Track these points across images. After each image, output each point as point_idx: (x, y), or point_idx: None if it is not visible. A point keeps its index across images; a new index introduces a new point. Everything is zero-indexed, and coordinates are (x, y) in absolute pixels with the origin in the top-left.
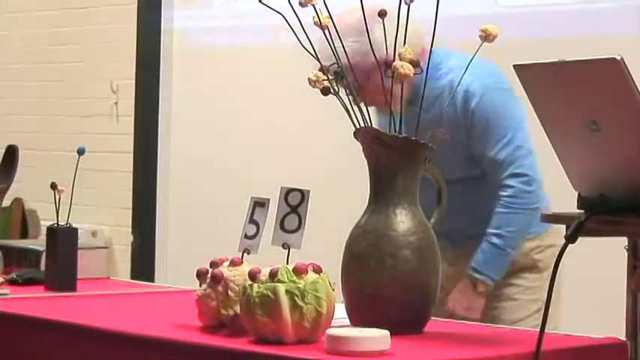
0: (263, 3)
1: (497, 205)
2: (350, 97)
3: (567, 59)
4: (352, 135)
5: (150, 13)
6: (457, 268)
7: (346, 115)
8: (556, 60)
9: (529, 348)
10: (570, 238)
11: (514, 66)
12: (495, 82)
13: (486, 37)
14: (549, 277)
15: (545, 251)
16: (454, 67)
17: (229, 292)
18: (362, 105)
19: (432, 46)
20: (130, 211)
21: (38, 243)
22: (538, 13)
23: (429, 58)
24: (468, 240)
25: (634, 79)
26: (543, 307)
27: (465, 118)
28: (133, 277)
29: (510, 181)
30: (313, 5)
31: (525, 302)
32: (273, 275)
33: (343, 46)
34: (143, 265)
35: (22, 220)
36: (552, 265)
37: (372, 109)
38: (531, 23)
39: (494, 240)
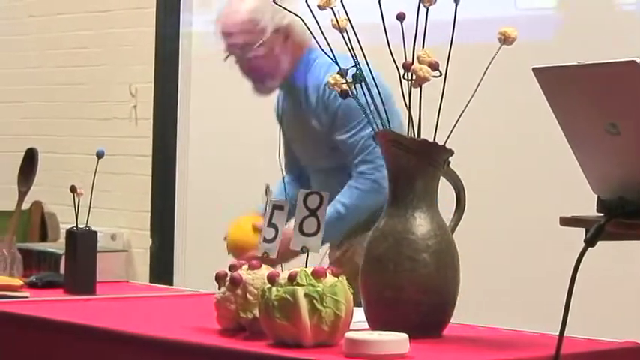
0: (279, 5)
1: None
2: (368, 98)
3: (586, 62)
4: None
5: (169, 17)
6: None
7: None
8: (575, 63)
9: (548, 351)
10: (590, 242)
11: (533, 69)
12: None
13: (505, 39)
14: None
15: None
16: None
17: (248, 295)
18: (380, 109)
19: (450, 50)
20: (149, 214)
21: (57, 246)
22: (557, 16)
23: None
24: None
25: None
26: None
27: (327, 107)
28: (151, 280)
29: (360, 167)
30: (331, 8)
31: None
32: (292, 278)
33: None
34: (162, 268)
35: (41, 223)
36: None
37: None
38: (550, 26)
39: (339, 207)
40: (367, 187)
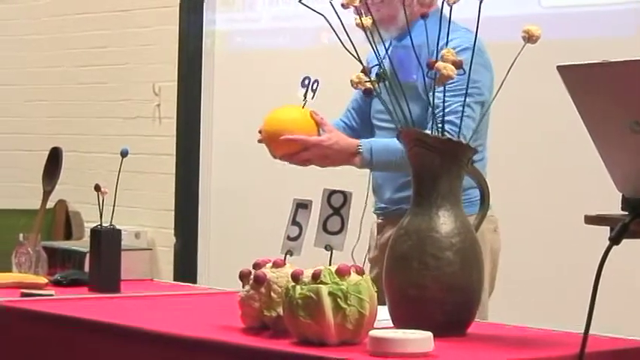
0: (305, 4)
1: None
2: (392, 96)
3: (611, 60)
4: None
5: (192, 16)
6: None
7: None
8: (599, 61)
9: (572, 350)
10: (614, 240)
11: (557, 67)
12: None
13: (529, 38)
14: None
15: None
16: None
17: (272, 293)
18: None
19: (474, 47)
20: (173, 212)
21: (82, 244)
22: (581, 14)
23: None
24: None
25: None
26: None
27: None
28: (175, 278)
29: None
30: (355, 7)
31: None
32: (315, 277)
33: (384, 44)
34: (185, 266)
35: (65, 221)
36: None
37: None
38: (574, 24)
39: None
40: None
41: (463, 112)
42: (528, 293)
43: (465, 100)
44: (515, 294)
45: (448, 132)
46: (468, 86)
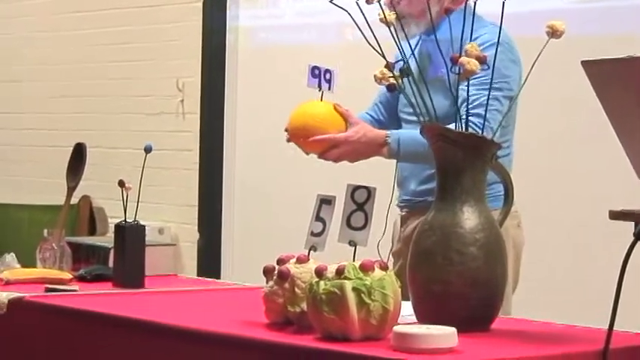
0: (332, 2)
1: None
2: (417, 92)
3: (635, 55)
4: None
5: (216, 12)
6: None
7: None
8: (624, 56)
9: (597, 345)
10: (639, 236)
11: (582, 62)
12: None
13: (553, 33)
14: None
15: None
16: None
17: (296, 289)
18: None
19: (497, 42)
20: (196, 208)
21: (106, 240)
22: (605, 9)
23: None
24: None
25: None
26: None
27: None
28: (199, 274)
29: (471, 118)
30: (379, 2)
31: None
32: (339, 272)
33: (409, 42)
34: (209, 261)
35: (89, 217)
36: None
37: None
38: (598, 19)
39: None
40: None
41: (488, 104)
42: (551, 289)
43: (488, 94)
44: (537, 290)
45: (475, 125)
46: (493, 80)
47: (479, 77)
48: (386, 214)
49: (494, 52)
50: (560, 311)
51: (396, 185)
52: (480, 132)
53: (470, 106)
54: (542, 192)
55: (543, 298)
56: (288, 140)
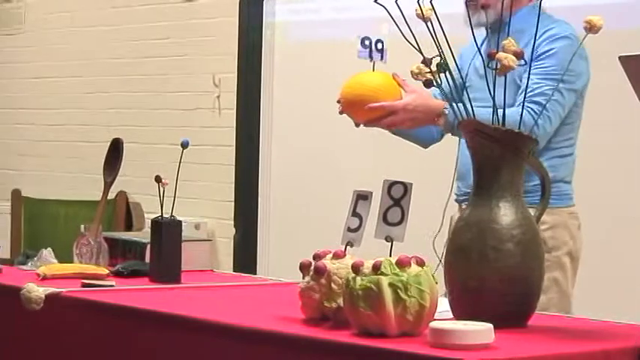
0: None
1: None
2: (452, 88)
3: None
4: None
5: (252, 7)
6: None
7: None
8: None
9: (635, 342)
10: None
11: (619, 57)
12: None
13: (591, 28)
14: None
15: (552, 230)
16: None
17: (332, 284)
18: (464, 92)
19: (535, 38)
20: (233, 203)
21: (142, 235)
22: None
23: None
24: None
25: None
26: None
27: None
28: (235, 269)
29: (528, 104)
30: None
31: None
32: (376, 268)
33: (445, 35)
34: (245, 257)
35: (126, 212)
36: (560, 246)
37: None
38: (637, 14)
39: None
40: (525, 119)
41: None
42: (592, 286)
43: (545, 83)
44: (578, 286)
45: (532, 111)
46: (558, 72)
47: (543, 67)
48: (444, 208)
49: (561, 44)
50: (598, 307)
51: (455, 178)
52: (536, 118)
53: (530, 94)
54: (578, 188)
55: (582, 294)
56: (341, 112)
